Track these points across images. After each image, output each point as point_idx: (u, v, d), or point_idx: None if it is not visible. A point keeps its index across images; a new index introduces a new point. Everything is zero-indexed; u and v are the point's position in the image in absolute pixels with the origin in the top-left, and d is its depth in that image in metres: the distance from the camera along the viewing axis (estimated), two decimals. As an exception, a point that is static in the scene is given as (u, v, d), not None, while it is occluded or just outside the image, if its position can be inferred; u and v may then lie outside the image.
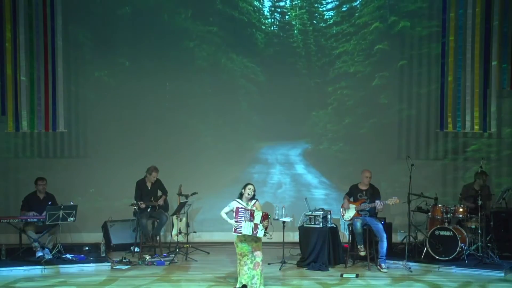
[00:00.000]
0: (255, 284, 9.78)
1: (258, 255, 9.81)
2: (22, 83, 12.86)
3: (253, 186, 9.95)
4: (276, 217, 11.83)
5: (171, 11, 13.27)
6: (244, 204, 9.84)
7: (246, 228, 9.59)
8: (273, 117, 13.53)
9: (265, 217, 9.68)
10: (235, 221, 9.65)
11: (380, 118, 13.40)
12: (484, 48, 12.77)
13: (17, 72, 12.89)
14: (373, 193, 11.69)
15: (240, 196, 9.92)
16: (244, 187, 9.92)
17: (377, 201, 11.60)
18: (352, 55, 13.37)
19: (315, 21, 13.46)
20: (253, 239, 9.80)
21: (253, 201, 9.92)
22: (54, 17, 12.82)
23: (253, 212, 9.62)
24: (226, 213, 9.86)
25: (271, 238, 10.05)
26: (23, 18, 12.73)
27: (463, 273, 11.10)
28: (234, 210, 9.73)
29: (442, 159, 13.37)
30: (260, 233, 9.64)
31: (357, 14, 13.31)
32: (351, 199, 11.77)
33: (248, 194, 9.85)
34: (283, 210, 11.85)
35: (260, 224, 9.61)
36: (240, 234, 9.69)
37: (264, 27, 13.50)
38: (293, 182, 13.69)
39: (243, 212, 9.64)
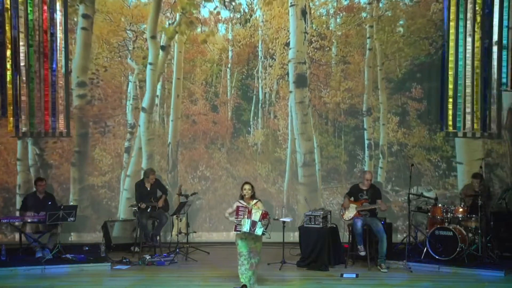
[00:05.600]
0: (252, 285, 9.81)
1: (254, 256, 9.84)
2: (22, 83, 12.90)
3: (250, 184, 9.98)
4: (276, 217, 11.81)
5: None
6: (245, 204, 9.85)
7: (245, 226, 9.62)
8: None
9: (264, 215, 9.68)
10: (236, 219, 9.69)
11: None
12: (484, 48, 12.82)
13: (17, 74, 12.91)
14: (374, 193, 11.70)
15: (241, 197, 9.94)
16: (241, 188, 9.96)
17: (378, 201, 11.62)
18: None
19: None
20: (252, 239, 9.81)
21: (255, 201, 9.93)
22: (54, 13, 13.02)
23: (251, 209, 9.64)
24: (229, 214, 9.91)
25: (269, 238, 10.04)
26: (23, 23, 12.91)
27: (464, 273, 11.10)
28: (235, 209, 9.77)
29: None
30: (259, 231, 9.64)
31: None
32: (352, 199, 11.78)
33: (246, 194, 9.87)
34: (283, 210, 11.85)
35: (259, 222, 9.61)
36: (240, 232, 9.72)
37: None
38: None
39: (242, 210, 9.68)
